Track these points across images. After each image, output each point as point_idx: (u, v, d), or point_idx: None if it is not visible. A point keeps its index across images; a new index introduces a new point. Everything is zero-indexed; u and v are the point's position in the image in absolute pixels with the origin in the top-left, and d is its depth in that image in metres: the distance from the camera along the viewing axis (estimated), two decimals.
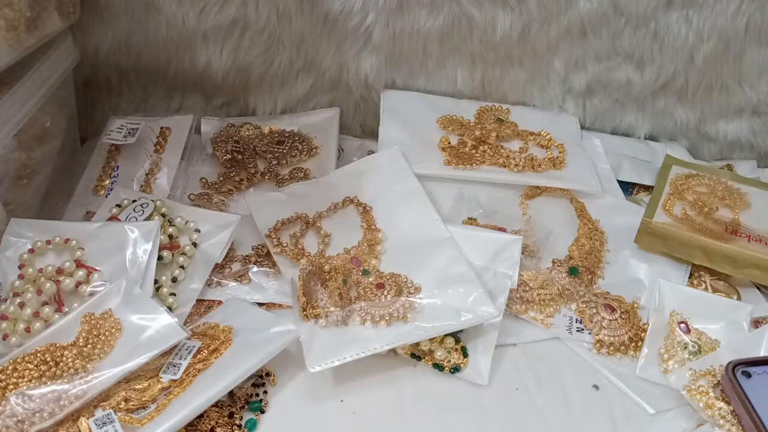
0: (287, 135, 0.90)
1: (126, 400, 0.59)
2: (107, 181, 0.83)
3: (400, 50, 0.87)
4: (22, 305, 0.66)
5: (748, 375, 0.62)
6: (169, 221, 0.75)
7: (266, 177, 0.86)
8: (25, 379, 0.59)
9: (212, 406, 0.60)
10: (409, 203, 0.77)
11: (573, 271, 0.75)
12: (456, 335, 0.67)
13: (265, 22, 0.85)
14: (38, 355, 0.61)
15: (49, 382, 0.59)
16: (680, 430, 0.63)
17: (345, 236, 0.76)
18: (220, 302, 0.72)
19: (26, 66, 0.73)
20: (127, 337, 0.63)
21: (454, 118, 0.89)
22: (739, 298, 0.74)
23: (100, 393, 0.59)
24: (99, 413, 0.58)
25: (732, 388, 0.61)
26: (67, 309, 0.66)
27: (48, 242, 0.71)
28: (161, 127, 0.88)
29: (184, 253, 0.73)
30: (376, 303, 0.68)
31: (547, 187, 0.83)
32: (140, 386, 0.60)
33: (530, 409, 0.64)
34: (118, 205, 0.76)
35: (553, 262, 0.76)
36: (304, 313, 0.67)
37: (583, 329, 0.71)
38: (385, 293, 0.68)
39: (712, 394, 0.62)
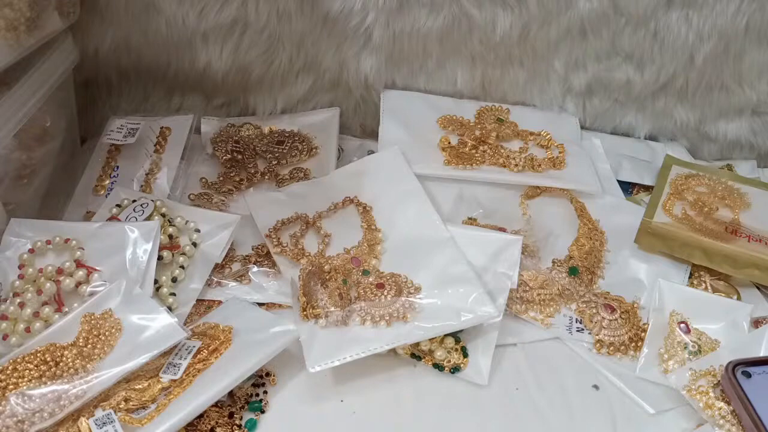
0: (287, 135, 0.90)
1: (126, 400, 0.59)
2: (107, 181, 0.83)
3: (400, 50, 0.87)
4: (22, 305, 0.66)
5: (748, 375, 0.62)
6: (169, 221, 0.75)
7: (266, 177, 0.86)
8: (25, 379, 0.59)
9: (212, 406, 0.60)
10: (409, 203, 0.77)
11: (573, 271, 0.75)
12: (456, 335, 0.67)
13: (265, 22, 0.85)
14: (38, 355, 0.61)
15: (49, 382, 0.59)
16: (680, 430, 0.63)
17: (345, 236, 0.76)
18: (220, 302, 0.72)
19: (26, 66, 0.73)
20: (127, 337, 0.63)
21: (454, 118, 0.89)
22: (739, 298, 0.74)
23: (100, 393, 0.59)
24: (99, 413, 0.58)
25: (732, 388, 0.61)
26: (67, 309, 0.66)
27: (48, 242, 0.71)
28: (161, 127, 0.88)
29: (184, 253, 0.73)
30: (376, 303, 0.68)
31: (547, 187, 0.83)
32: (140, 386, 0.60)
33: (530, 409, 0.64)
34: (118, 205, 0.76)
35: (553, 262, 0.76)
36: (304, 313, 0.67)
37: (583, 329, 0.71)
38: (385, 293, 0.68)
39: (712, 394, 0.62)
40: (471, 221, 0.79)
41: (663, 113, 0.92)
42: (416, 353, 0.67)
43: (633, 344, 0.70)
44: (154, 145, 0.86)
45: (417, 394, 0.65)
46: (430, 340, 0.66)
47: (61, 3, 0.76)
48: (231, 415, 0.62)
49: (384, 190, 0.79)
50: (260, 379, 0.65)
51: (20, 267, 0.69)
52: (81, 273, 0.68)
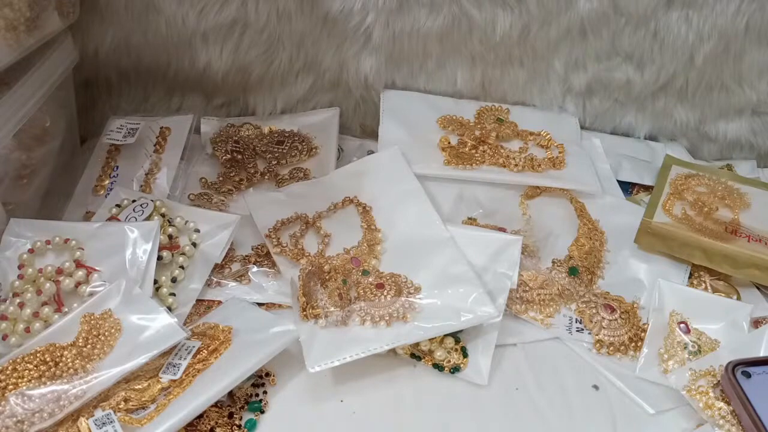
0: (287, 135, 0.90)
1: (126, 401, 0.59)
2: (107, 181, 0.83)
3: (400, 50, 0.87)
4: (21, 305, 0.66)
5: (748, 375, 0.62)
6: (168, 221, 0.75)
7: (266, 177, 0.86)
8: (25, 379, 0.59)
9: (212, 406, 0.60)
10: (409, 203, 0.77)
11: (573, 271, 0.75)
12: (456, 335, 0.67)
13: (265, 22, 0.85)
14: (38, 355, 0.61)
15: (48, 383, 0.59)
16: (680, 430, 0.63)
17: (345, 236, 0.76)
18: (219, 302, 0.72)
19: (26, 66, 0.73)
20: (127, 337, 0.63)
21: (454, 118, 0.89)
22: (739, 298, 0.74)
23: (99, 393, 0.59)
24: (99, 413, 0.58)
25: (732, 388, 0.61)
26: (66, 309, 0.66)
27: (48, 242, 0.71)
28: (161, 127, 0.88)
29: (183, 253, 0.73)
30: (376, 303, 0.68)
31: (547, 187, 0.83)
32: (140, 386, 0.60)
33: (530, 409, 0.64)
34: (118, 205, 0.76)
35: (553, 262, 0.76)
36: (304, 313, 0.67)
37: (583, 329, 0.71)
38: (385, 293, 0.68)
39: (711, 394, 0.62)
40: (471, 221, 0.79)
41: (663, 113, 0.92)
42: (416, 353, 0.67)
43: (633, 344, 0.69)
44: (154, 145, 0.86)
45: (417, 395, 0.65)
46: (429, 340, 0.66)
47: (61, 3, 0.76)
48: (231, 416, 0.62)
49: (384, 190, 0.79)
50: (260, 379, 0.65)
51: (20, 267, 0.69)
52: (81, 273, 0.68)
